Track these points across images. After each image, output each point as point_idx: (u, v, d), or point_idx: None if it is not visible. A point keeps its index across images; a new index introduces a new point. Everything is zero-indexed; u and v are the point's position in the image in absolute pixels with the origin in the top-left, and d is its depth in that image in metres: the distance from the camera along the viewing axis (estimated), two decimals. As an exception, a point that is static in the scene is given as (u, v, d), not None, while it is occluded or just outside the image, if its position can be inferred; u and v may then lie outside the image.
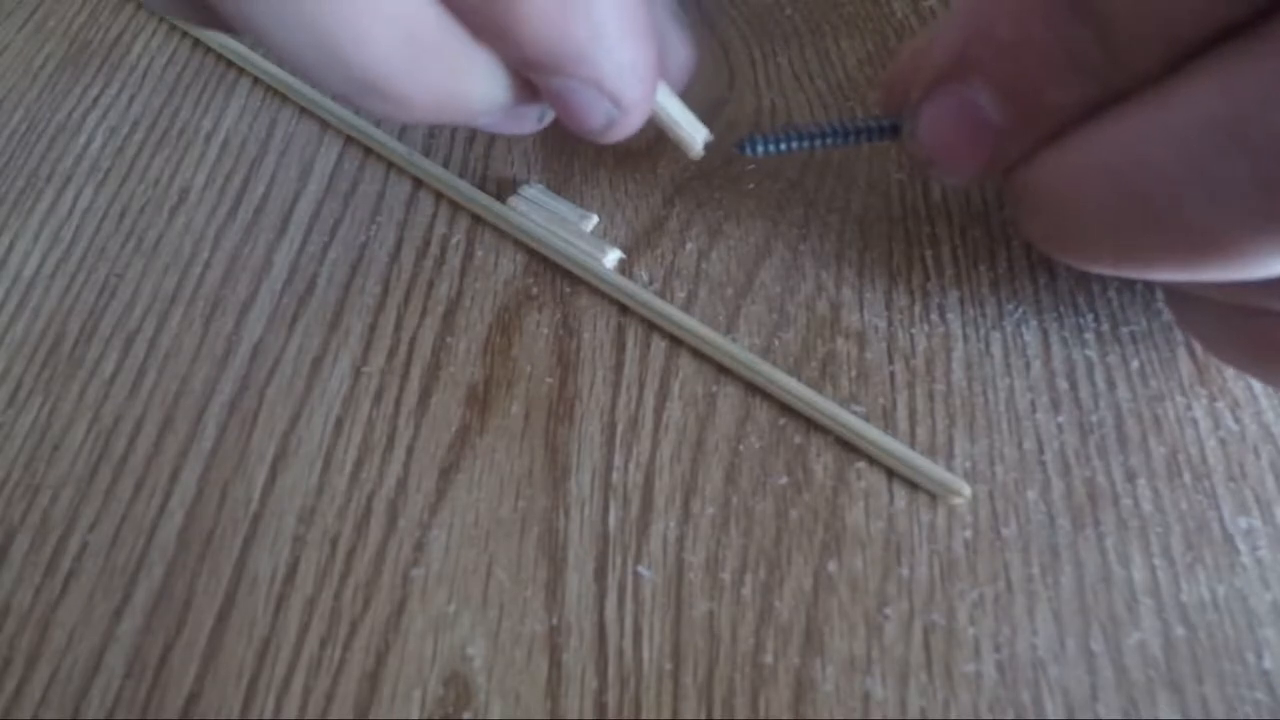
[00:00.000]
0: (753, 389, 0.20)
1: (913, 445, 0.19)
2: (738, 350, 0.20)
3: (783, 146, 0.19)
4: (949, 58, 0.16)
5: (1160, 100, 0.13)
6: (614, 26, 0.15)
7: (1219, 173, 0.12)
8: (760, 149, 0.19)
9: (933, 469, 0.18)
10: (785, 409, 0.20)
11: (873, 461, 0.19)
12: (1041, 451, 0.19)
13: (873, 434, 0.19)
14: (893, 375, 0.20)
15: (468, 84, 0.16)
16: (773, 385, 0.20)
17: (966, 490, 0.18)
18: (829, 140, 0.19)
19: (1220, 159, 0.12)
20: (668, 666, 0.17)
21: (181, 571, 0.18)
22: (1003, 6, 0.14)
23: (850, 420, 0.19)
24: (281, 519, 0.19)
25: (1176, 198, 0.13)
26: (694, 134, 0.19)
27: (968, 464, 0.19)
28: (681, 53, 0.19)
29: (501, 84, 0.16)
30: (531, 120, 0.20)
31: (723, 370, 0.20)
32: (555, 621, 0.17)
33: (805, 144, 0.19)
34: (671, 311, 0.21)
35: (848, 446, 0.19)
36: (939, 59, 0.16)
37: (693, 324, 0.20)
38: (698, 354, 0.21)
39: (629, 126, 0.17)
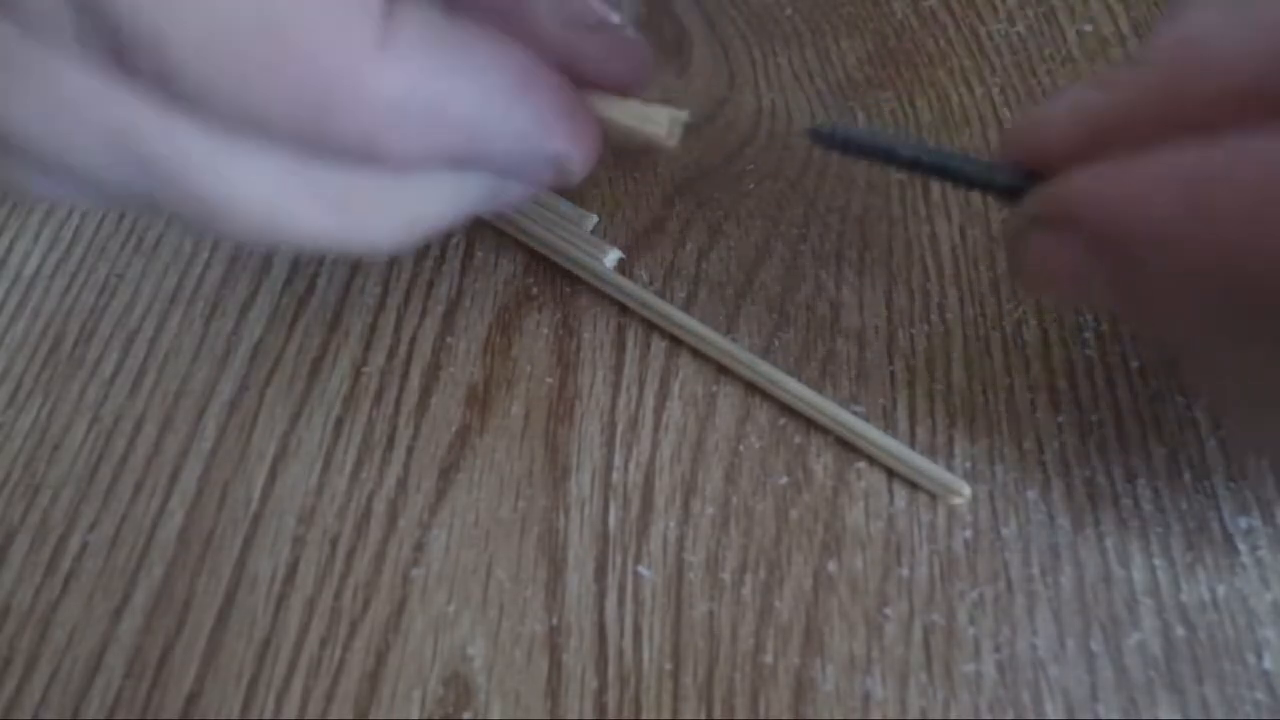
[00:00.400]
0: (753, 389, 0.20)
1: (913, 445, 0.19)
2: (738, 350, 0.20)
3: (864, 146, 0.15)
4: (1093, 205, 0.14)
5: None
6: (485, 110, 0.14)
7: None
8: (833, 142, 0.16)
9: (933, 469, 0.18)
10: (785, 409, 0.20)
11: (873, 461, 0.19)
12: (1041, 451, 0.19)
13: (873, 434, 0.19)
14: (893, 375, 0.20)
15: (425, 207, 0.16)
16: (773, 385, 0.20)
17: (966, 490, 0.18)
18: (927, 169, 0.15)
19: None
20: (668, 666, 0.17)
21: (181, 571, 0.18)
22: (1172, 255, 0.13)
23: (850, 420, 0.19)
24: (281, 519, 0.19)
25: None
26: (657, 127, 0.17)
27: (968, 464, 0.19)
28: (616, 52, 0.17)
29: (458, 189, 0.16)
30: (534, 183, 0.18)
31: (723, 370, 0.20)
32: (555, 621, 0.17)
33: (891, 158, 0.15)
34: (671, 311, 0.21)
35: (848, 447, 0.19)
36: (1082, 195, 0.14)
37: (693, 324, 0.20)
38: (698, 354, 0.21)
39: (582, 163, 0.16)
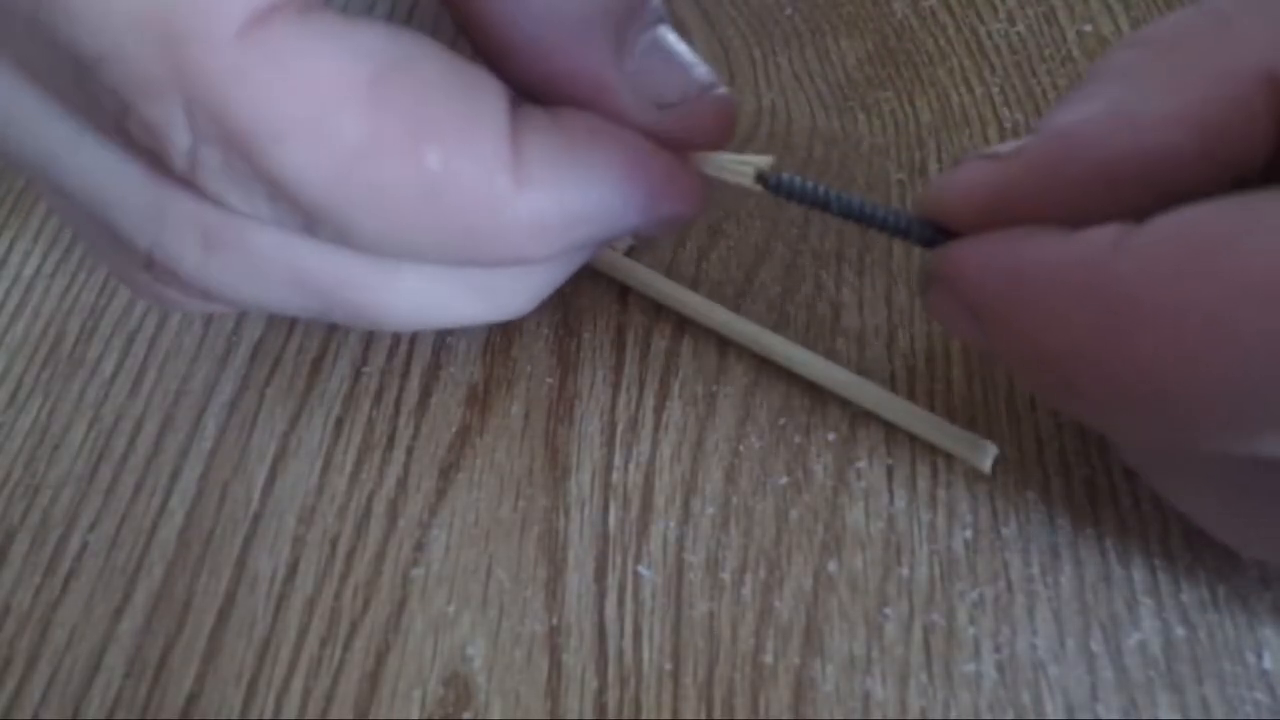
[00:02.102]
0: (753, 389, 0.20)
1: (913, 445, 0.19)
2: (746, 324, 0.20)
3: (807, 195, 0.17)
4: (959, 275, 0.15)
5: None
6: (608, 204, 0.15)
7: None
8: (779, 189, 0.17)
9: (956, 430, 0.18)
10: (787, 406, 0.20)
11: (874, 457, 0.19)
12: (1041, 451, 0.19)
13: (892, 400, 0.19)
14: (893, 375, 0.20)
15: (554, 277, 0.17)
16: (786, 359, 0.20)
17: (992, 448, 0.18)
18: (856, 218, 0.17)
19: None
20: (668, 666, 0.17)
21: (181, 571, 0.18)
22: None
23: (868, 385, 0.19)
24: (281, 519, 0.19)
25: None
26: (744, 178, 0.17)
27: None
28: (700, 119, 0.17)
29: (580, 255, 0.17)
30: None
31: (723, 370, 0.20)
32: (555, 621, 0.17)
33: (831, 206, 0.17)
34: (677, 290, 0.21)
35: (851, 441, 0.19)
36: (952, 264, 0.15)
37: (698, 300, 0.20)
38: (698, 354, 0.21)
39: (690, 215, 0.17)
